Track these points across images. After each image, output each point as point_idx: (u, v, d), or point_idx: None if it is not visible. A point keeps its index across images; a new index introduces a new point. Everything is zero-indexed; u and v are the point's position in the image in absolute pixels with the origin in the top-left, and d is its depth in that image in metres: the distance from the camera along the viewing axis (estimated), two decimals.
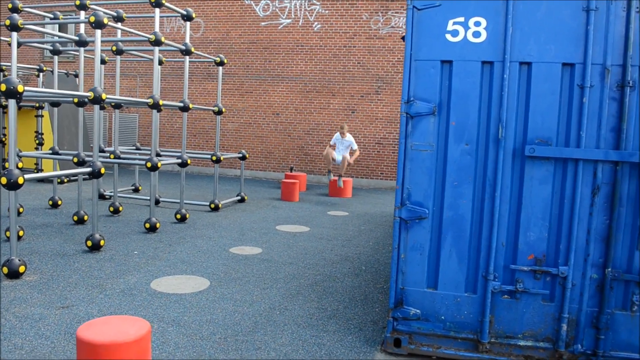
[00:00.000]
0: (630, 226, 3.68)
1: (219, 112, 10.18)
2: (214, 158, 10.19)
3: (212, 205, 10.20)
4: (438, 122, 3.85)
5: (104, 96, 6.20)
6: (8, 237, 6.97)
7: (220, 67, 10.26)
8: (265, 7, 14.83)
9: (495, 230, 3.84)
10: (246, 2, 14.94)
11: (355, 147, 12.74)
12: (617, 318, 3.78)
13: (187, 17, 8.26)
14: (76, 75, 12.22)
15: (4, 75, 7.71)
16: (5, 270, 5.49)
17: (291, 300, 5.30)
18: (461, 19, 3.68)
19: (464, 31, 3.69)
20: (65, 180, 12.54)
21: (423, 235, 4.00)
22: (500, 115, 3.72)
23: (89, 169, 6.46)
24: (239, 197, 11.31)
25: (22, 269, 5.56)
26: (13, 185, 5.28)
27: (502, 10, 3.65)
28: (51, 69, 11.64)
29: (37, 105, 12.26)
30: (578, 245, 3.76)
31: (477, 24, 3.66)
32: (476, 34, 3.68)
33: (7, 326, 4.37)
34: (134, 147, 12.35)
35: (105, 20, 5.99)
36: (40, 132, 12.57)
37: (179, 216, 8.93)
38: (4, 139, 11.01)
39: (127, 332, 3.05)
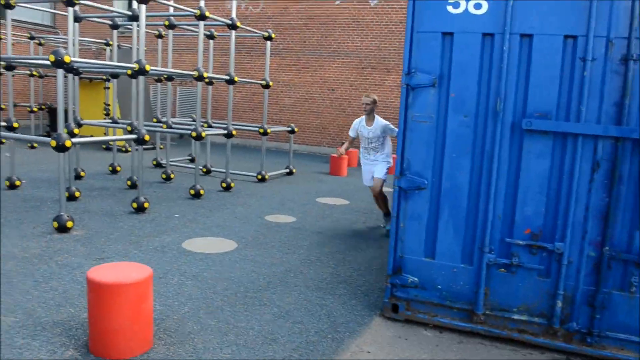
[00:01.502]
0: (631, 205, 3.60)
1: (267, 86, 10.47)
2: (261, 131, 10.53)
3: (259, 177, 10.59)
4: (438, 94, 3.90)
5: (147, 67, 6.61)
6: (77, 197, 7.69)
7: (269, 42, 10.53)
8: None
9: (491, 203, 3.86)
10: None
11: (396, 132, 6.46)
12: (614, 298, 3.72)
13: None
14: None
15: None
16: (55, 224, 6.07)
17: (308, 266, 5.53)
18: None
19: (465, 3, 3.70)
20: (129, 149, 13.33)
21: (421, 205, 4.08)
22: (499, 88, 3.71)
23: (134, 136, 6.93)
24: (287, 170, 11.63)
25: (69, 224, 6.11)
26: (61, 148, 5.80)
27: None
28: (119, 44, 12.38)
29: (105, 78, 13.09)
30: (575, 222, 3.72)
31: None
32: (477, 6, 3.68)
33: (48, 272, 4.89)
34: (191, 119, 12.93)
35: None
36: (107, 103, 13.44)
37: (224, 185, 9.36)
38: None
39: (130, 275, 3.38)
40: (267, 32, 10.31)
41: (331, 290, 4.87)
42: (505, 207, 3.89)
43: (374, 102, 6.93)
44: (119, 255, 5.48)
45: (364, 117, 7.05)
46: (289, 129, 11.66)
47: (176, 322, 3.96)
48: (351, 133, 7.23)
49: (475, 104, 3.82)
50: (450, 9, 3.75)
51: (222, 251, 5.87)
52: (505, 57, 3.67)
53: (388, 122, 6.98)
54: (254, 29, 12.81)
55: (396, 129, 6.14)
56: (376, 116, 6.98)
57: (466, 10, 3.71)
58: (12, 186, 8.23)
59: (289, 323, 4.08)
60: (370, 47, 14.76)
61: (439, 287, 4.14)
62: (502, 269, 3.96)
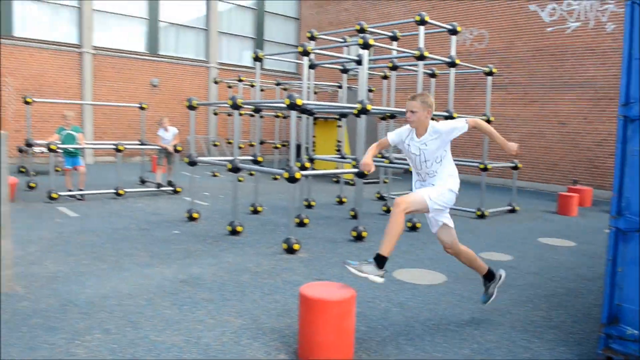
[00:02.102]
0: None
1: (487, 121, 10.34)
2: (482, 166, 10.40)
3: (478, 213, 10.42)
4: None
5: (369, 107, 7.20)
6: (306, 223, 8.64)
7: (489, 77, 10.41)
8: (552, 11, 14.15)
9: None
10: (531, 8, 14.52)
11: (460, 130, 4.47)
12: None
13: (452, 32, 8.76)
14: (370, 90, 13.92)
15: None
16: (284, 246, 6.94)
17: (518, 306, 5.32)
18: None
19: None
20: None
21: None
22: None
23: (355, 170, 7.55)
24: (509, 207, 11.22)
25: (296, 247, 6.92)
26: (292, 179, 6.66)
27: None
28: (349, 86, 13.56)
29: (337, 117, 14.39)
30: None
31: None
32: None
33: (274, 286, 5.63)
34: None
35: (371, 42, 6.98)
36: (339, 140, 14.71)
37: None
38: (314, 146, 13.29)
39: (335, 293, 3.78)
40: (487, 67, 10.25)
41: (539, 334, 4.62)
42: None
43: (426, 105, 4.33)
44: (335, 277, 6.00)
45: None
46: (512, 164, 11.26)
47: (377, 344, 4.22)
48: (392, 137, 4.65)
49: None
50: None
51: (431, 283, 5.99)
52: None
53: (447, 123, 4.44)
54: (479, 64, 12.79)
55: (462, 126, 4.34)
56: (431, 122, 4.42)
57: None
58: (255, 211, 9.61)
59: None
60: (607, 77, 13.44)
61: None
62: None
